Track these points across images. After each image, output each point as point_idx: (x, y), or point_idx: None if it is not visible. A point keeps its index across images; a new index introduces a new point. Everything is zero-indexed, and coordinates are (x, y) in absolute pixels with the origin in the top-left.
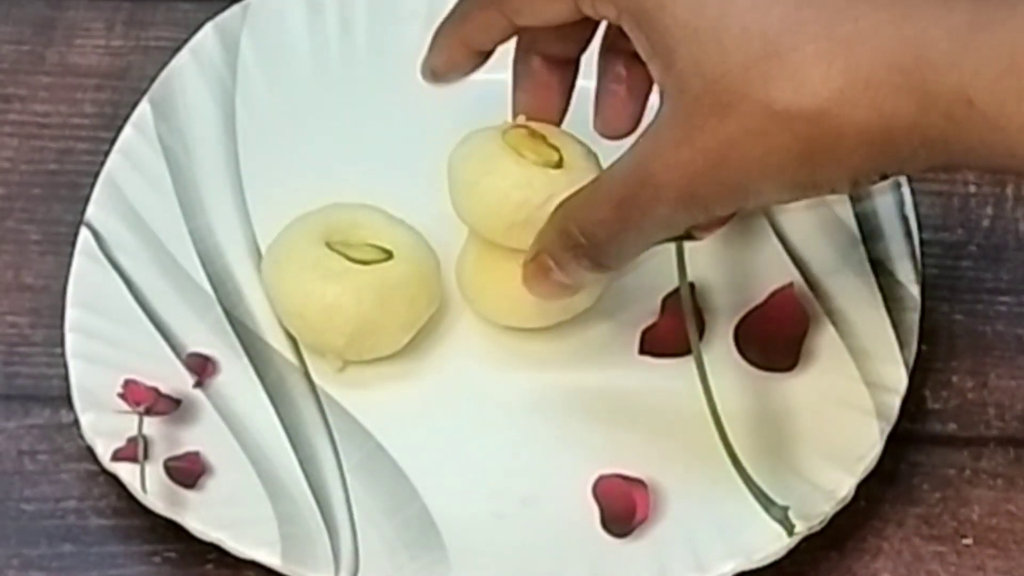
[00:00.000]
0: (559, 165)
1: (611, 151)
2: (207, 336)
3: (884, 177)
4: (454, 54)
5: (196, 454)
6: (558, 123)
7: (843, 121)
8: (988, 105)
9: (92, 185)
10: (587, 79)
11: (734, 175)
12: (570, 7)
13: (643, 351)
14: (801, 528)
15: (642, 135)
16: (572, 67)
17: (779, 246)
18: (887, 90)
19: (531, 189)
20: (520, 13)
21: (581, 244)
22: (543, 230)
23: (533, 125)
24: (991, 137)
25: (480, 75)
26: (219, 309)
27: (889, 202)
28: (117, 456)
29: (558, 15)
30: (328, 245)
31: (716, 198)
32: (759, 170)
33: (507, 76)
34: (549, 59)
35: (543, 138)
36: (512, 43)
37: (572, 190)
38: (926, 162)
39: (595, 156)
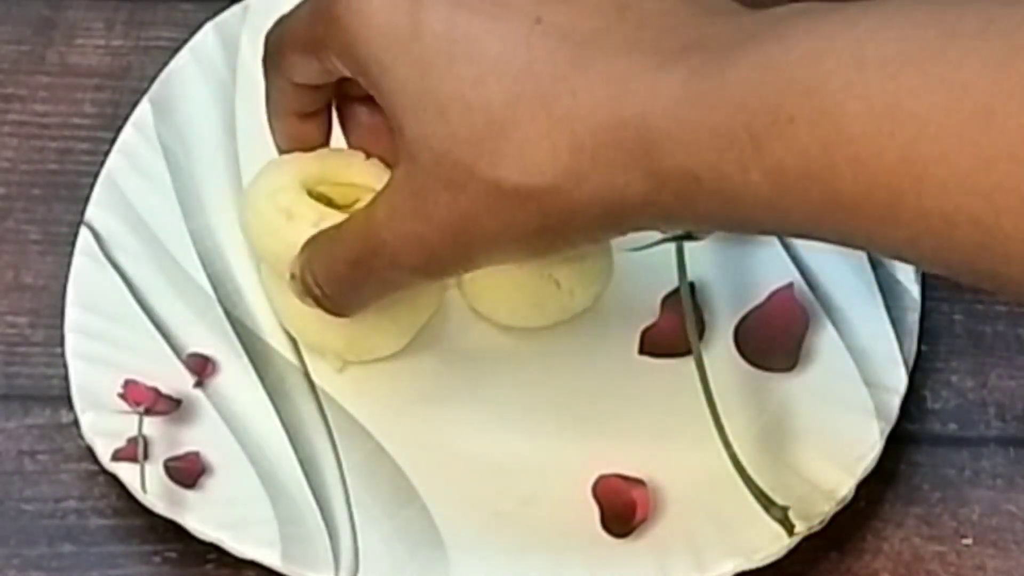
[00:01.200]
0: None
1: None
2: (207, 336)
3: (624, 233)
4: (288, 127)
5: (196, 454)
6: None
7: (575, 197)
8: (716, 183)
9: (92, 185)
10: None
11: (470, 248)
12: (320, 67)
13: (643, 351)
14: (801, 528)
15: (378, 195)
16: None
17: (779, 246)
18: (616, 168)
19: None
20: (294, 72)
21: (316, 295)
22: (291, 262)
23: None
24: (726, 209)
25: None
26: (219, 309)
27: None
28: (117, 456)
29: (317, 75)
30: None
31: (452, 266)
32: (495, 243)
33: None
34: (366, 102)
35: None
36: None
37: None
38: (668, 228)
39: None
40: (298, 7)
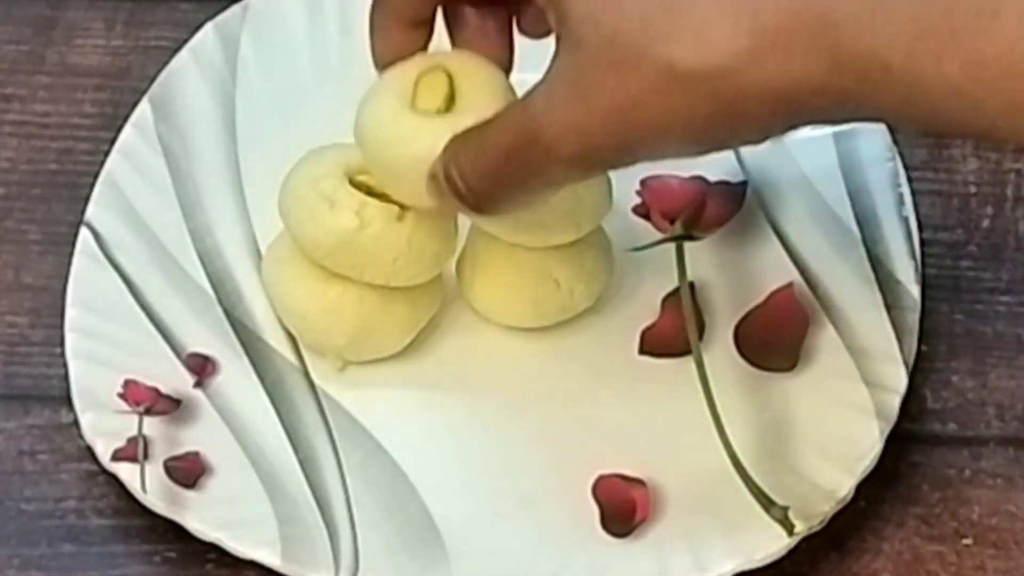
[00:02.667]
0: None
1: None
2: (207, 336)
3: (794, 127)
4: (393, 36)
5: (196, 454)
6: (508, 67)
7: (749, 81)
8: (906, 71)
9: (92, 185)
10: None
11: (634, 136)
12: None
13: (643, 351)
14: (801, 528)
15: (535, 86)
16: (504, 8)
17: (779, 246)
18: (795, 51)
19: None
20: None
21: (460, 191)
22: (435, 162)
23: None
24: (912, 98)
25: None
26: (219, 309)
27: (889, 202)
28: (117, 456)
29: None
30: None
31: (613, 158)
32: (662, 131)
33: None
34: (477, 4)
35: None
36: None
37: (576, 186)
38: (840, 118)
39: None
40: None
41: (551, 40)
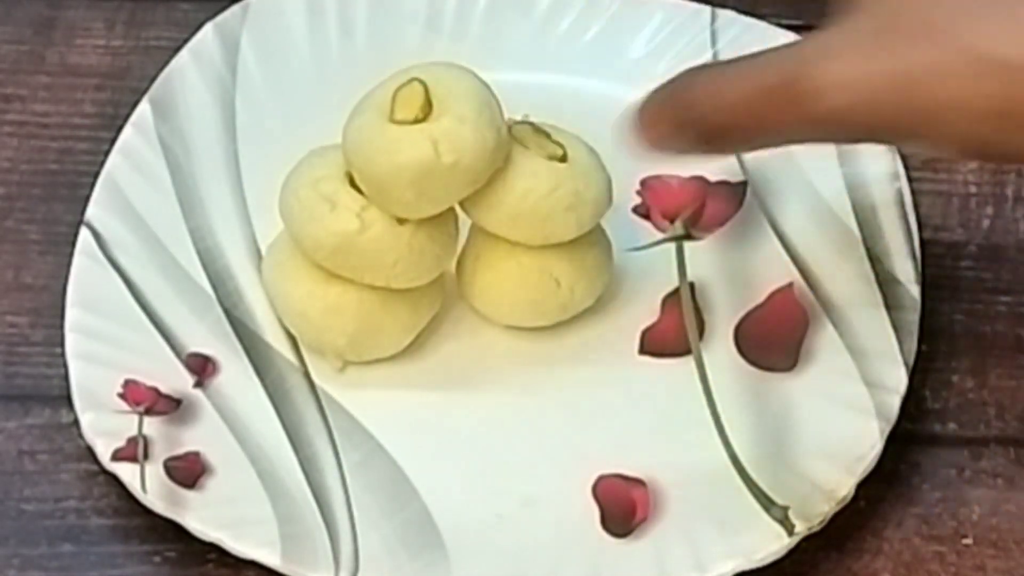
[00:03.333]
0: (563, 159)
1: (614, 152)
2: (207, 336)
3: None
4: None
5: (196, 454)
6: None
7: None
8: None
9: (92, 185)
10: (584, 79)
11: (915, 106)
12: None
13: (643, 351)
14: (801, 528)
15: (809, 35)
16: None
17: (779, 246)
18: None
19: (536, 179)
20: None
21: (697, 119)
22: (658, 91)
23: (537, 122)
24: None
25: (484, 75)
26: (219, 309)
27: (889, 202)
28: (117, 456)
29: None
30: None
31: (886, 121)
32: (946, 110)
33: (511, 76)
34: None
35: (547, 134)
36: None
37: (577, 182)
38: None
39: (597, 155)
40: None
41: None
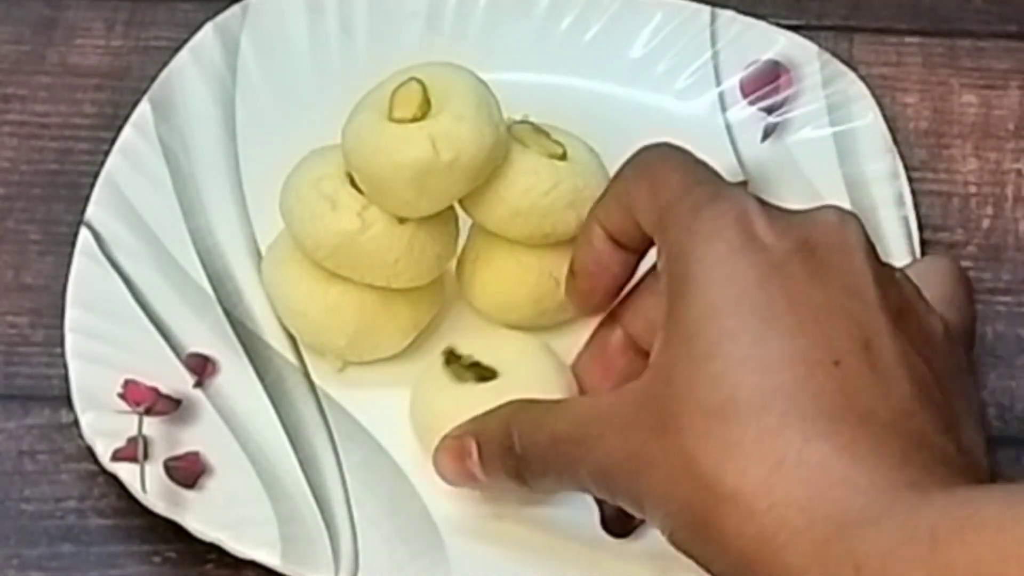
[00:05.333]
0: (563, 157)
1: (614, 152)
2: (207, 336)
3: None
4: (595, 244)
5: (196, 454)
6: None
7: (732, 520)
8: None
9: (92, 185)
10: (584, 79)
11: (639, 491)
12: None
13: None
14: None
15: (615, 391)
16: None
17: None
18: (787, 528)
19: (536, 176)
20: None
21: (514, 452)
22: (484, 416)
23: (536, 121)
24: None
25: (483, 75)
26: (219, 309)
27: (889, 202)
28: (117, 456)
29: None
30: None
31: (620, 497)
32: (658, 504)
33: (511, 75)
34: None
35: (546, 134)
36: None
37: (577, 179)
38: None
39: (597, 155)
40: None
41: (551, 40)
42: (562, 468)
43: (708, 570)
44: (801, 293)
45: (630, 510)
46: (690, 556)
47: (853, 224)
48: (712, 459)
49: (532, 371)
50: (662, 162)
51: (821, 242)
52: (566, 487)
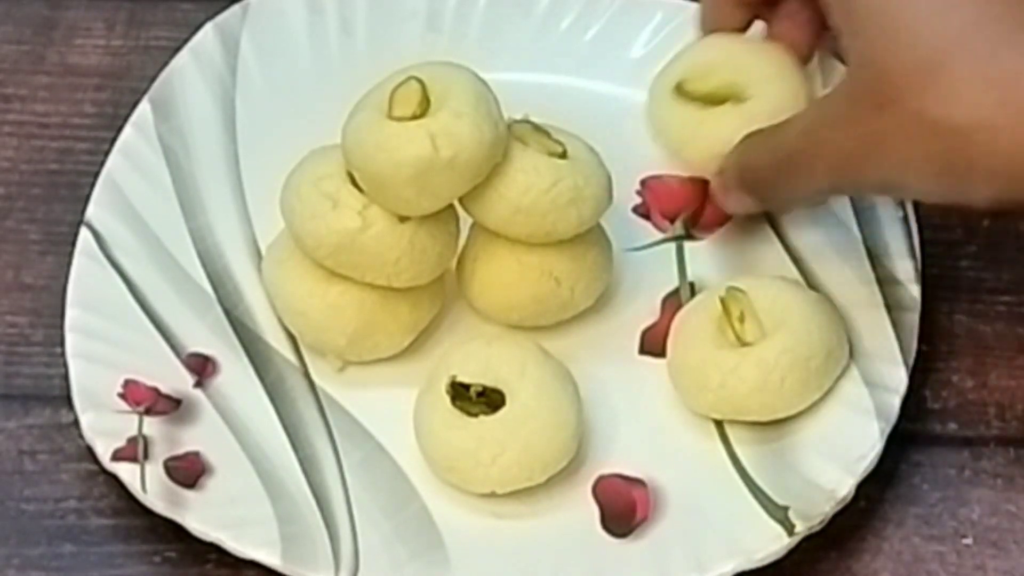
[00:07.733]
0: (563, 156)
1: (614, 152)
2: (207, 336)
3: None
4: (720, 6)
5: (196, 454)
6: (806, 60)
7: (983, 149)
8: None
9: (92, 185)
10: (584, 79)
11: (881, 167)
12: None
13: (643, 351)
14: (801, 528)
15: (818, 100)
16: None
17: (779, 246)
18: None
19: (537, 174)
20: None
21: (747, 180)
22: (730, 152)
23: (536, 121)
24: None
25: (484, 75)
26: (219, 309)
27: (889, 202)
28: (117, 456)
29: None
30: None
31: (863, 183)
32: (903, 168)
33: (511, 75)
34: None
35: (546, 133)
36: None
37: (577, 177)
38: None
39: (597, 154)
40: None
41: (551, 40)
42: (791, 184)
43: (969, 204)
44: None
45: (873, 193)
46: (949, 202)
47: None
48: (941, 106)
49: (538, 385)
50: None
51: None
52: (804, 201)
